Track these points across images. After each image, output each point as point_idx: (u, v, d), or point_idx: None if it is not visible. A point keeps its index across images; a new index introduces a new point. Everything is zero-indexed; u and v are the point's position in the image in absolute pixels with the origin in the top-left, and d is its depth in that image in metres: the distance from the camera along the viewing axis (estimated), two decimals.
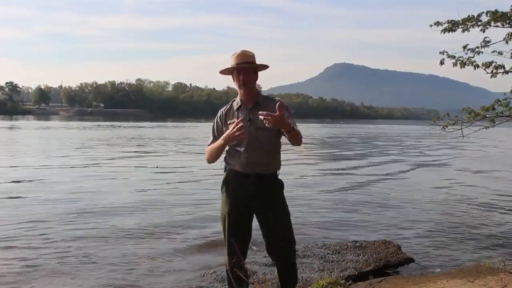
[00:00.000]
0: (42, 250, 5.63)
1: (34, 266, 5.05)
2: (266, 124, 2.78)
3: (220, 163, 3.23)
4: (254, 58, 3.07)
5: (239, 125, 2.90)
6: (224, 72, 3.10)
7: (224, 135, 3.02)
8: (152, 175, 12.87)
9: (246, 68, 3.02)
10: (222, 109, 3.20)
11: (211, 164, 3.23)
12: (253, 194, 3.06)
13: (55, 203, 8.47)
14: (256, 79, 3.13)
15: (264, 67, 3.11)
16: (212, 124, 3.23)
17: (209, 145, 3.18)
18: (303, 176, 13.19)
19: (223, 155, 3.19)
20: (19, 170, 13.22)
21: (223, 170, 3.24)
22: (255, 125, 3.02)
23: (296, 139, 2.95)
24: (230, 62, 3.06)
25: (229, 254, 3.12)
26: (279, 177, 3.20)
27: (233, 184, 3.12)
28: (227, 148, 3.14)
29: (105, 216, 7.51)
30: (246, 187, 3.06)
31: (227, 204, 3.15)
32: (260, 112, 2.79)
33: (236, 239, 3.08)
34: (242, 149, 3.04)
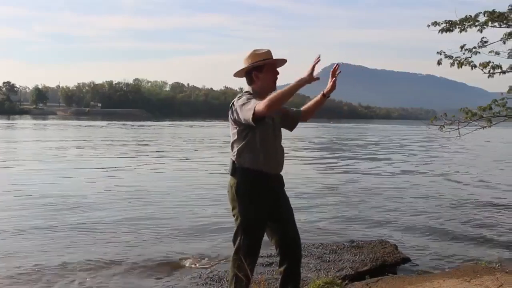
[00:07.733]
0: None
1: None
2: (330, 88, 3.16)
3: (228, 166, 3.07)
4: None
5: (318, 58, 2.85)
6: (263, 61, 3.00)
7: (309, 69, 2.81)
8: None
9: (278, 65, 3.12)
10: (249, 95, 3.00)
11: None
12: (276, 193, 3.10)
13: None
14: None
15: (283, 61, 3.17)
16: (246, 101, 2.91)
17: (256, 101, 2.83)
18: (295, 174, 13.20)
19: (242, 154, 3.00)
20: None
21: (233, 172, 3.04)
22: (277, 126, 3.11)
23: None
24: (254, 57, 3.01)
25: (249, 255, 3.03)
26: None
27: (259, 185, 3.01)
28: (243, 149, 2.99)
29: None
30: (271, 188, 3.06)
31: (254, 207, 3.00)
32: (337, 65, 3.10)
33: (260, 241, 3.09)
34: (272, 150, 3.04)
